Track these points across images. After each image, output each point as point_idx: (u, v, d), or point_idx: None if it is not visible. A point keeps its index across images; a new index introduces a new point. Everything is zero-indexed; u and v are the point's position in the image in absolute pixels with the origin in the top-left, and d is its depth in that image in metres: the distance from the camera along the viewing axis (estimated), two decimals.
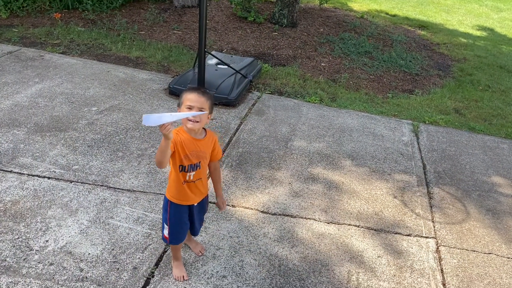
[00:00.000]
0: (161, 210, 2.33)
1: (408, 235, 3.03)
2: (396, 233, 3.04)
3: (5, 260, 2.38)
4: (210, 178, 2.40)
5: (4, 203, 2.77)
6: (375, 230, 3.04)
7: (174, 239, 2.30)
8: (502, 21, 10.26)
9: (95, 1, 6.83)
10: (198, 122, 2.01)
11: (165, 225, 2.28)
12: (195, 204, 2.28)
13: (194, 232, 2.44)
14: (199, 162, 2.15)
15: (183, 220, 2.27)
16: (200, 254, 2.60)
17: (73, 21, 6.38)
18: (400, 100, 5.35)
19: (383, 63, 6.39)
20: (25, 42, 5.49)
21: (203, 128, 2.16)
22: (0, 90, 4.18)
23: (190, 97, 2.00)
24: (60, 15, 6.40)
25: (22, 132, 3.56)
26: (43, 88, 4.33)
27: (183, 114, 1.96)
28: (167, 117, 1.79)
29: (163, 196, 2.31)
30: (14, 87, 4.27)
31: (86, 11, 6.69)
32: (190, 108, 2.00)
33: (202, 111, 2.00)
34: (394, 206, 3.32)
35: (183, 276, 2.42)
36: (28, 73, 4.60)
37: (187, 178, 2.15)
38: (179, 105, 2.09)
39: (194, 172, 2.15)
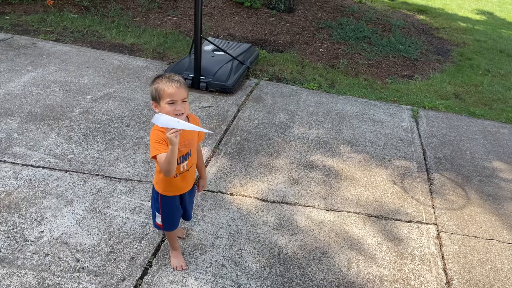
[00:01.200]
0: (157, 209, 2.28)
1: (408, 222, 3.00)
2: (396, 220, 3.00)
3: (0, 251, 2.33)
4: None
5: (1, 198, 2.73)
6: (375, 217, 3.01)
7: (168, 226, 2.27)
8: (501, 5, 10.15)
9: None
10: (183, 113, 1.95)
11: (157, 214, 2.24)
12: (188, 191, 2.25)
13: (188, 217, 2.40)
14: (190, 151, 2.11)
15: (175, 208, 2.24)
16: (183, 236, 2.58)
17: (66, 8, 6.26)
18: (400, 85, 5.29)
19: (382, 48, 6.31)
20: (18, 30, 5.38)
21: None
22: None
23: (170, 91, 1.90)
24: (52, 1, 6.28)
25: (16, 121, 3.49)
26: (36, 76, 4.25)
27: (191, 126, 1.89)
28: (174, 123, 1.79)
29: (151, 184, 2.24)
30: (7, 76, 4.19)
31: None
32: (172, 103, 1.91)
33: (184, 101, 1.94)
34: (394, 193, 3.28)
35: (182, 266, 2.39)
36: (21, 61, 4.51)
37: (182, 169, 2.11)
38: (156, 100, 1.95)
39: (186, 162, 2.11)
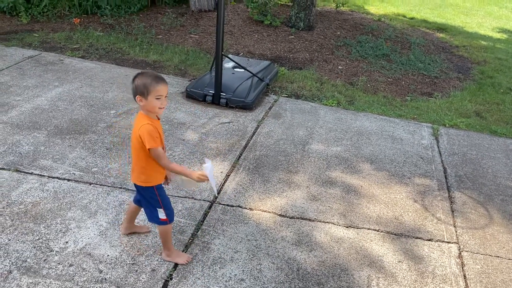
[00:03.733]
0: (157, 205, 2.36)
1: (429, 240, 2.97)
2: (416, 238, 2.97)
3: (26, 260, 2.40)
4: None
5: (25, 204, 2.81)
6: (395, 234, 2.98)
7: (171, 215, 2.40)
8: None
9: (113, 6, 6.92)
10: (164, 107, 2.21)
11: (159, 209, 2.34)
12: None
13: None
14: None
15: (167, 196, 2.41)
16: (148, 231, 2.68)
17: (92, 26, 6.48)
18: (419, 103, 5.27)
19: (401, 66, 6.31)
20: (45, 47, 5.58)
21: None
22: (21, 93, 4.25)
23: (159, 88, 2.14)
24: (79, 20, 6.50)
25: (43, 134, 3.61)
26: (63, 91, 4.39)
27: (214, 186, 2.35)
28: (212, 179, 2.27)
29: (144, 187, 2.32)
30: (35, 91, 4.34)
31: (104, 16, 6.79)
32: (159, 98, 2.14)
33: (166, 97, 2.21)
34: (414, 211, 3.25)
35: (189, 257, 2.51)
36: (48, 77, 4.68)
37: None
38: (143, 94, 2.14)
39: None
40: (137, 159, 2.25)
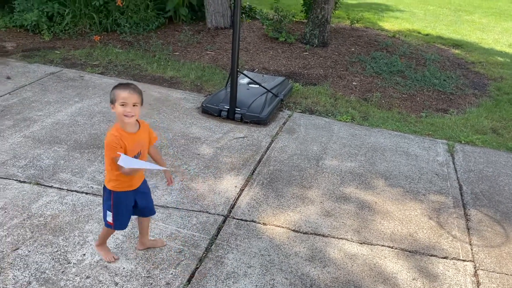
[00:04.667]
0: (109, 208, 2.42)
1: (444, 258, 2.94)
2: (431, 255, 2.95)
3: (45, 272, 2.46)
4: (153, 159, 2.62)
5: (44, 217, 2.88)
6: (409, 251, 2.96)
7: (118, 224, 2.45)
8: None
9: (132, 24, 7.11)
10: (133, 115, 2.22)
11: (108, 212, 2.40)
12: (139, 187, 2.45)
13: (150, 212, 2.58)
14: (140, 151, 2.36)
15: (127, 207, 2.44)
16: (163, 244, 2.74)
17: (111, 43, 6.66)
18: (434, 119, 5.26)
19: (416, 82, 6.31)
20: (67, 63, 5.76)
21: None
22: (43, 108, 4.39)
23: (124, 95, 2.19)
24: (99, 37, 6.70)
25: (63, 149, 3.71)
26: (82, 107, 4.51)
27: (153, 166, 2.28)
28: (138, 164, 2.19)
29: (108, 191, 2.39)
30: (56, 106, 4.47)
31: (123, 34, 6.97)
32: (123, 105, 2.19)
33: (135, 106, 2.21)
34: (429, 228, 3.23)
35: (113, 257, 2.58)
36: (69, 93, 4.82)
37: None
38: (112, 101, 2.24)
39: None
40: (107, 164, 2.34)
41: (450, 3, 13.77)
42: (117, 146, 2.21)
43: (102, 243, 2.60)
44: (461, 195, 3.70)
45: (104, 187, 2.40)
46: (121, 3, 6.88)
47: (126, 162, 2.14)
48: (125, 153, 2.25)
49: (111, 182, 2.35)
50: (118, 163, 2.14)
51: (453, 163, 4.20)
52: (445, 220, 3.34)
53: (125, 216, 2.46)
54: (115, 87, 2.26)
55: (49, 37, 6.65)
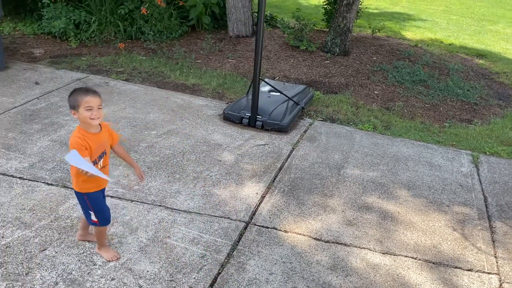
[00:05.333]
0: (88, 208, 2.48)
1: (469, 270, 2.89)
2: (456, 268, 2.90)
3: (71, 273, 2.51)
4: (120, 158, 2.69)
5: (71, 219, 2.95)
6: (433, 263, 2.92)
7: (103, 220, 2.51)
8: None
9: (156, 32, 7.24)
10: (99, 117, 2.30)
11: (90, 212, 2.47)
12: (105, 187, 2.54)
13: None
14: (104, 150, 2.44)
15: (102, 202, 2.53)
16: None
17: (135, 51, 6.80)
18: (458, 129, 5.18)
19: (439, 92, 6.24)
20: (92, 70, 5.90)
21: None
22: (69, 114, 4.48)
23: (88, 99, 2.24)
24: (124, 45, 6.84)
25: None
26: (108, 112, 4.61)
27: (97, 172, 2.22)
28: (85, 165, 2.15)
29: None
30: None
31: (147, 41, 7.11)
32: (90, 109, 2.24)
33: (99, 108, 2.30)
34: (453, 239, 3.18)
35: (116, 256, 2.63)
36: None
37: (99, 166, 2.40)
38: (74, 108, 2.27)
39: (102, 160, 2.44)
40: (71, 167, 2.38)
41: (473, 12, 13.61)
42: (82, 147, 2.26)
43: (101, 245, 2.65)
44: (486, 207, 3.63)
45: (76, 193, 2.45)
46: (146, 12, 7.02)
47: (74, 159, 2.17)
48: (92, 156, 2.33)
49: (79, 184, 2.40)
50: (65, 157, 2.20)
51: (478, 174, 4.13)
52: (470, 232, 3.28)
53: (105, 209, 2.53)
54: (75, 93, 2.29)
55: (75, 44, 6.83)
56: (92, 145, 2.33)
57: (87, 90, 2.31)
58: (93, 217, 2.49)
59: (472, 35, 10.26)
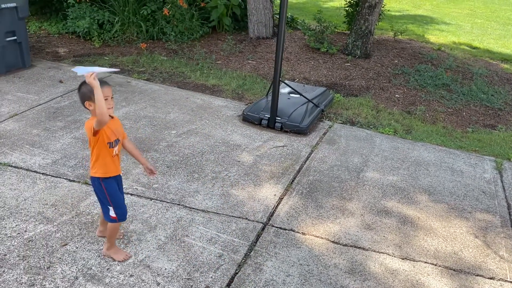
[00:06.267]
0: (107, 203, 2.48)
1: (490, 279, 2.82)
2: (477, 275, 2.84)
3: (91, 268, 2.55)
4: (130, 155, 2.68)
5: (92, 215, 3.00)
6: (454, 270, 2.86)
7: (122, 213, 2.52)
8: None
9: (177, 33, 7.31)
10: (112, 107, 2.41)
11: (109, 207, 2.47)
12: (119, 174, 2.55)
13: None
14: (118, 138, 2.48)
15: (118, 191, 2.54)
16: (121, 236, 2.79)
17: (157, 51, 6.87)
18: (481, 135, 5.07)
19: (462, 96, 6.12)
20: None
21: None
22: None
23: (104, 90, 2.30)
24: (145, 45, 6.93)
25: None
26: (129, 111, 4.67)
27: (105, 69, 2.45)
28: (93, 69, 2.25)
29: (97, 181, 2.45)
30: None
31: (169, 42, 7.18)
32: (106, 99, 2.30)
33: (112, 98, 2.42)
34: (475, 247, 3.11)
35: (127, 255, 2.63)
36: (116, 97, 5.00)
37: (113, 153, 2.46)
38: (90, 98, 2.30)
39: (117, 147, 2.48)
40: (91, 153, 2.43)
41: (498, 16, 13.32)
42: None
43: (111, 244, 2.62)
44: (510, 214, 3.54)
45: (94, 180, 2.47)
46: (168, 13, 7.10)
47: (81, 70, 2.24)
48: (109, 137, 2.40)
49: (99, 170, 2.43)
50: (74, 69, 2.28)
51: (501, 181, 4.04)
52: (492, 240, 3.20)
53: (122, 202, 2.55)
54: (87, 85, 2.30)
55: (99, 43, 6.95)
56: (107, 127, 2.39)
57: (100, 82, 2.34)
58: (112, 213, 2.50)
59: (497, 39, 10.04)
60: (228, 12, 7.77)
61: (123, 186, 3.30)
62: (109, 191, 2.48)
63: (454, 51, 8.27)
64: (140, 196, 3.26)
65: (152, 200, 3.22)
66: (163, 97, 5.16)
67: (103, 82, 2.36)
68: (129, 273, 2.53)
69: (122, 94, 5.11)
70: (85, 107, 2.37)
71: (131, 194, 3.26)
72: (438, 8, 13.67)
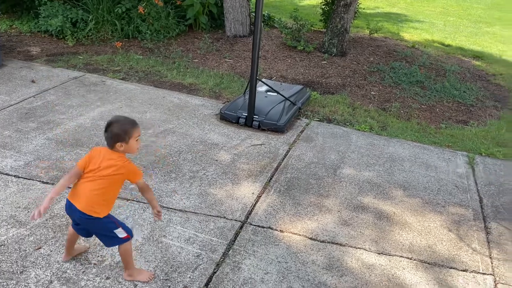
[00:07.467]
0: (113, 226, 2.39)
1: (464, 271, 2.90)
2: (451, 268, 2.91)
3: (66, 271, 2.50)
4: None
5: (66, 217, 2.93)
6: (428, 263, 2.93)
7: (129, 229, 2.42)
8: None
9: (153, 31, 7.23)
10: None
11: (119, 229, 2.34)
12: None
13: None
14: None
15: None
16: (86, 249, 2.66)
17: (132, 50, 6.78)
18: (454, 131, 5.20)
19: (436, 93, 6.26)
20: (89, 68, 5.88)
21: None
22: (65, 112, 4.49)
23: (139, 131, 2.34)
24: (121, 43, 6.83)
25: (84, 151, 3.78)
26: (104, 111, 4.60)
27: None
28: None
29: (99, 219, 2.31)
30: (78, 110, 4.57)
31: (144, 40, 7.09)
32: (138, 140, 2.33)
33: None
34: (448, 240, 3.19)
35: (152, 274, 2.51)
36: (91, 97, 4.92)
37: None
38: (124, 140, 2.28)
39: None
40: (105, 191, 2.28)
41: (470, 14, 13.66)
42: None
43: (132, 265, 2.47)
44: (482, 208, 3.64)
45: (97, 221, 2.27)
46: (143, 11, 7.01)
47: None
48: None
49: (105, 209, 2.30)
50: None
51: (474, 176, 4.15)
52: (465, 233, 3.29)
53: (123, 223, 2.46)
54: (121, 123, 2.29)
55: (72, 42, 6.81)
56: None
57: (133, 122, 2.33)
58: (122, 234, 2.34)
59: (469, 36, 10.30)
60: (205, 10, 7.73)
61: None
62: (116, 219, 2.38)
63: (428, 49, 8.45)
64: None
65: (129, 201, 3.18)
66: (139, 96, 5.10)
67: (135, 122, 2.33)
68: (105, 276, 2.50)
69: (97, 94, 5.02)
70: (115, 147, 2.30)
71: None
72: (412, 6, 13.92)
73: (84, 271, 2.51)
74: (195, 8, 7.47)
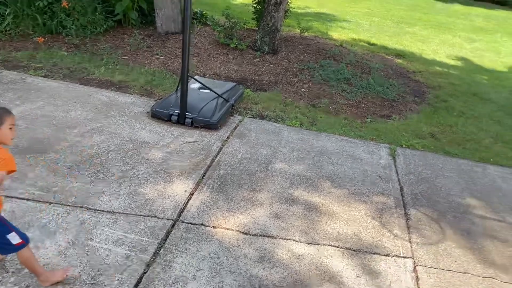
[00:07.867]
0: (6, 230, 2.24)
1: (386, 255, 3.09)
2: (374, 253, 3.09)
3: None
4: None
5: None
6: (354, 250, 3.08)
7: (25, 236, 2.28)
8: (474, 51, 10.71)
9: (78, 27, 6.89)
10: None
11: (13, 234, 2.21)
12: None
13: None
14: None
15: None
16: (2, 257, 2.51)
17: (56, 46, 6.42)
18: (378, 124, 5.50)
19: (362, 89, 6.58)
20: (7, 66, 5.48)
21: None
22: None
23: (12, 118, 2.24)
24: (43, 39, 6.43)
25: None
26: (24, 110, 4.32)
27: None
28: None
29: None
30: None
31: (69, 36, 6.74)
32: (11, 128, 2.24)
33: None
34: (372, 227, 3.38)
35: (67, 269, 2.44)
36: (9, 96, 4.59)
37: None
38: (1, 124, 2.20)
39: None
40: None
41: (393, 15, 14.48)
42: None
43: (41, 271, 2.35)
44: (402, 196, 3.89)
45: None
46: (67, 5, 6.66)
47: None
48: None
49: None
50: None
51: (395, 166, 4.42)
52: (387, 220, 3.50)
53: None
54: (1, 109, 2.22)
55: None
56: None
57: (8, 109, 2.25)
58: (16, 240, 2.20)
59: (392, 36, 10.92)
60: (134, 6, 7.50)
61: (19, 191, 3.07)
62: (6, 221, 2.24)
63: (354, 47, 8.85)
64: (37, 200, 3.03)
65: (52, 204, 3.02)
66: (63, 94, 4.84)
67: (8, 110, 2.23)
68: (25, 284, 2.36)
69: (16, 92, 4.70)
70: None
71: (27, 200, 3.03)
72: (340, 7, 14.49)
73: (1, 281, 2.35)
74: (124, 3, 7.22)
